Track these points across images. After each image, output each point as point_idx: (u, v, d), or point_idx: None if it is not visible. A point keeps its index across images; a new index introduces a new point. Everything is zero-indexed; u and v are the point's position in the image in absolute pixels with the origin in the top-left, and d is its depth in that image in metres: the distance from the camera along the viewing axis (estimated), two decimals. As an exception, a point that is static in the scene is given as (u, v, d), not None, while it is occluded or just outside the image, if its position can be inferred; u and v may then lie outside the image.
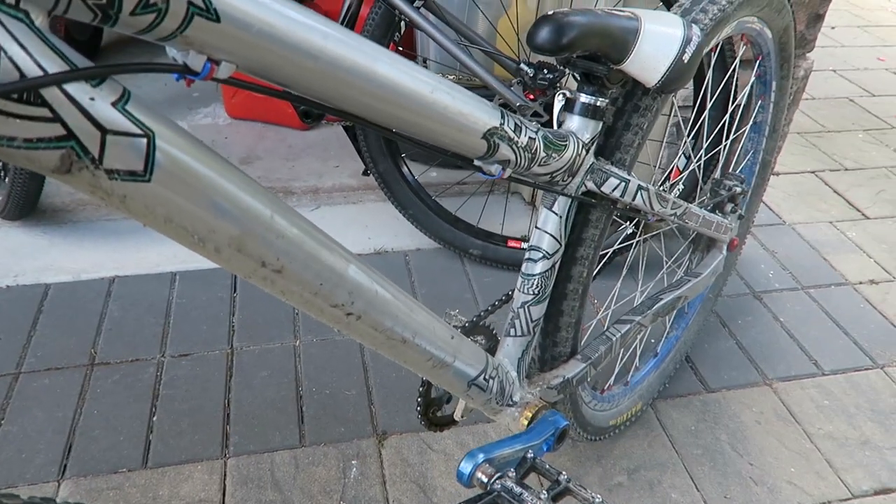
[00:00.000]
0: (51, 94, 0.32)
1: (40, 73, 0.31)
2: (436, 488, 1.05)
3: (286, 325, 1.32)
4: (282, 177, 1.72)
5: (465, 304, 1.41)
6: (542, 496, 0.69)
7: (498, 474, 0.70)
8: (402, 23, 1.32)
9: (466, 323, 0.76)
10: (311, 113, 1.31)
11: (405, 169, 1.44)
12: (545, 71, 1.34)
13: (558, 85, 1.37)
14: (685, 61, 0.69)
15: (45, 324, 1.28)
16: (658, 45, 0.67)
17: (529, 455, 0.75)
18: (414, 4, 1.23)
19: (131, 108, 0.36)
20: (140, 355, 1.23)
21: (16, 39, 0.30)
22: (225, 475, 1.05)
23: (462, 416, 0.82)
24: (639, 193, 0.77)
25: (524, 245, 1.50)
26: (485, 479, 0.70)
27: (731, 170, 1.16)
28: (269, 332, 1.30)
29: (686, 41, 0.69)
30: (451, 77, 1.56)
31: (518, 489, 0.69)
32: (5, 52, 0.30)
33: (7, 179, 1.40)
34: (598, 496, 0.71)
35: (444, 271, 1.49)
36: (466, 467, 0.70)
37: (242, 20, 0.37)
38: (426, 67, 0.63)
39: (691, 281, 1.04)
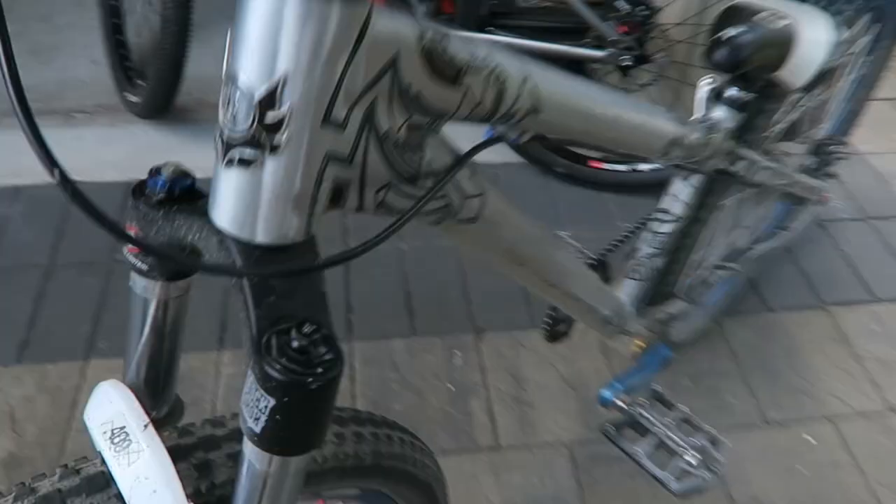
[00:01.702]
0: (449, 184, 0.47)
1: (443, 168, 0.45)
2: (527, 379, 1.24)
3: (393, 228, 1.48)
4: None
5: (549, 220, 1.55)
6: (668, 422, 0.86)
7: (632, 401, 0.88)
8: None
9: (594, 260, 0.91)
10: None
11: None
12: (639, 7, 1.40)
13: (650, 21, 1.43)
14: (827, 63, 0.75)
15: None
16: (810, 53, 0.74)
17: (657, 388, 0.92)
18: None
19: (476, 178, 0.51)
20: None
21: (435, 151, 0.45)
22: (353, 355, 1.25)
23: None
24: (762, 172, 0.88)
25: (605, 166, 1.62)
26: (623, 405, 0.88)
27: (825, 119, 1.24)
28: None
29: (832, 44, 0.75)
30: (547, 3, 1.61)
31: (649, 414, 0.87)
32: (431, 163, 0.45)
33: (147, 82, 1.54)
34: (713, 429, 0.88)
35: (530, 186, 1.62)
36: (608, 394, 0.88)
37: (552, 113, 0.50)
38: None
39: (782, 234, 1.16)
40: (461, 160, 0.46)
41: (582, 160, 1.62)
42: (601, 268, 0.95)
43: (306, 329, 0.35)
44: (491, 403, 1.20)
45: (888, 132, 1.91)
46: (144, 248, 0.42)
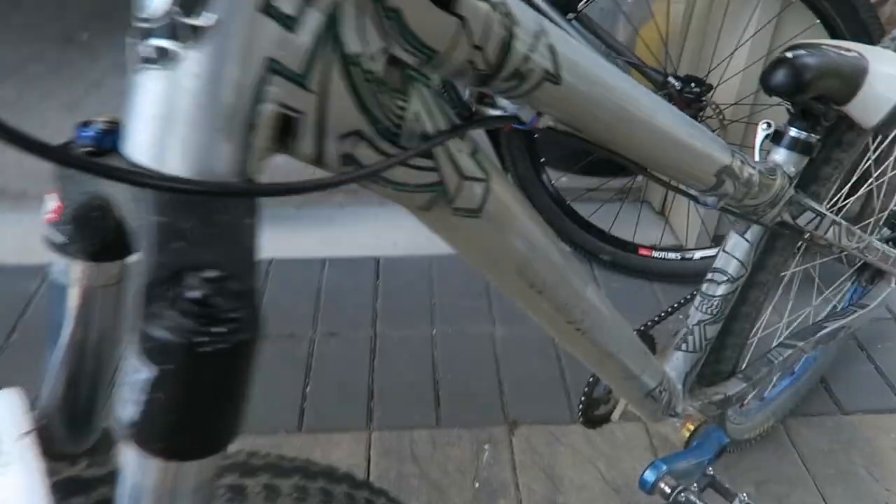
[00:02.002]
0: (438, 148, 0.38)
1: (434, 132, 0.37)
2: (563, 478, 1.11)
3: (424, 315, 1.41)
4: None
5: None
6: None
7: (680, 487, 0.75)
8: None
9: (635, 331, 0.80)
10: (460, 115, 1.39)
11: (543, 174, 1.50)
12: (692, 84, 1.36)
13: (704, 99, 1.38)
14: None
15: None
16: (884, 88, 0.67)
17: (709, 472, 0.79)
18: (567, 17, 1.28)
19: (479, 156, 0.41)
20: (295, 331, 1.36)
21: (425, 105, 0.36)
22: (370, 445, 1.14)
23: (619, 417, 0.88)
24: (831, 228, 0.78)
25: (655, 254, 1.53)
26: (668, 490, 0.75)
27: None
28: (409, 320, 1.39)
29: None
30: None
31: (700, 503, 0.73)
32: (419, 116, 0.35)
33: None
34: None
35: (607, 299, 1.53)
36: (651, 476, 0.75)
37: (575, 84, 0.42)
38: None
39: (858, 312, 1.04)
40: (460, 127, 0.38)
41: (630, 248, 1.54)
42: (645, 341, 0.84)
43: (209, 274, 0.27)
44: (522, 505, 1.07)
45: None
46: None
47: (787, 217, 0.73)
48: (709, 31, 1.48)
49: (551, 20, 1.27)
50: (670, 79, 1.32)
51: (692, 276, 1.47)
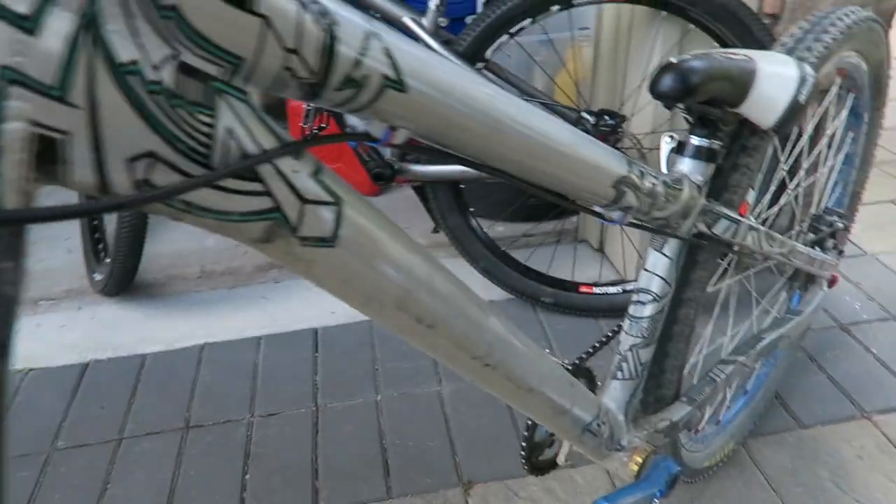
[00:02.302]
0: (265, 169, 0.34)
1: (258, 151, 0.33)
2: (526, 536, 1.04)
3: (367, 381, 1.35)
4: (355, 241, 1.79)
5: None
6: None
7: None
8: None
9: (570, 365, 0.76)
10: (383, 175, 1.38)
11: (474, 223, 1.48)
12: (606, 117, 1.37)
13: (620, 130, 1.39)
14: (800, 101, 0.68)
15: (142, 392, 1.35)
16: (775, 87, 0.67)
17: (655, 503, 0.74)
18: (476, 66, 1.29)
19: (324, 177, 0.37)
20: (231, 416, 1.28)
21: (241, 121, 0.32)
22: (317, 528, 1.07)
23: (566, 461, 0.82)
24: (749, 234, 0.77)
25: (596, 290, 1.51)
26: None
27: (821, 204, 1.15)
28: (351, 389, 1.33)
29: (801, 81, 0.69)
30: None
31: None
32: (232, 134, 0.32)
33: (109, 259, 1.51)
34: None
35: (518, 320, 1.49)
36: None
37: (425, 91, 0.39)
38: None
39: (794, 319, 1.02)
40: (289, 145, 0.34)
41: (571, 287, 1.51)
42: (581, 375, 0.80)
43: None
44: (484, 571, 1.00)
45: (893, 231, 1.80)
46: None
47: (702, 227, 0.72)
48: (618, 67, 1.51)
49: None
50: (584, 114, 1.33)
51: (635, 307, 1.45)
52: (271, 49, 0.31)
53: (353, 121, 0.36)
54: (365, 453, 1.19)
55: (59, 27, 0.25)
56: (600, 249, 1.73)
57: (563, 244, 1.74)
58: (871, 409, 1.24)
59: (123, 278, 1.53)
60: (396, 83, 0.37)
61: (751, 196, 1.39)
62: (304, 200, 0.36)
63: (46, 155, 0.26)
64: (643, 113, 1.42)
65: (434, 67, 0.40)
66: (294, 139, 0.35)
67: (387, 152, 1.44)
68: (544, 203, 1.73)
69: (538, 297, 1.51)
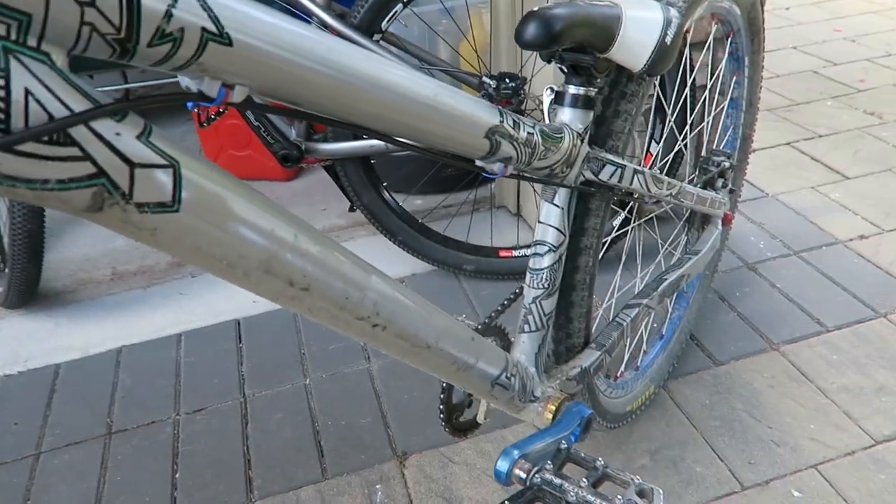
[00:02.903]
0: (79, 133, 0.32)
1: (67, 113, 0.32)
2: (462, 499, 1.06)
3: (294, 365, 1.33)
4: (272, 228, 1.75)
5: (469, 319, 1.42)
6: (583, 484, 0.70)
7: (536, 468, 0.71)
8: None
9: (479, 325, 0.77)
10: (290, 156, 1.35)
11: (389, 198, 1.47)
12: (507, 80, 1.38)
13: (522, 92, 1.41)
14: (668, 43, 0.70)
15: (59, 402, 1.30)
16: (641, 31, 0.68)
17: (563, 446, 0.76)
18: (373, 38, 1.28)
19: (154, 139, 0.36)
20: (155, 417, 1.24)
21: (41, 82, 0.31)
22: (253, 518, 1.05)
23: (485, 419, 0.83)
24: (635, 177, 0.79)
25: (515, 253, 1.53)
26: (523, 475, 0.71)
27: (713, 146, 1.19)
28: (279, 375, 1.31)
29: (667, 23, 0.70)
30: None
31: (558, 480, 0.70)
32: (33, 96, 0.30)
33: (6, 269, 1.43)
34: (637, 477, 0.71)
35: (442, 291, 1.51)
36: (504, 465, 0.70)
37: (253, 43, 0.38)
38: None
39: (692, 258, 1.06)
40: (102, 106, 0.32)
41: (490, 252, 1.53)
42: (493, 333, 0.81)
43: None
44: (425, 538, 1.01)
45: (791, 172, 1.89)
46: None
47: (589, 175, 0.73)
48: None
49: (357, 44, 1.26)
50: (485, 79, 1.33)
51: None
52: (60, 2, 0.30)
53: (186, 81, 0.34)
54: (297, 438, 1.18)
55: None
56: (517, 213, 1.75)
57: (480, 211, 1.75)
58: (779, 341, 1.31)
59: (25, 288, 1.46)
60: (218, 36, 0.36)
61: (654, 147, 1.44)
62: (132, 164, 0.35)
63: None
64: (543, 74, 1.43)
65: (260, 18, 0.38)
66: (109, 101, 0.34)
67: (292, 133, 1.41)
68: (457, 172, 1.74)
69: (460, 265, 1.51)
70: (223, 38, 0.36)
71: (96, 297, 1.58)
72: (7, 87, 0.29)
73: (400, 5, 1.26)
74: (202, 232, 0.39)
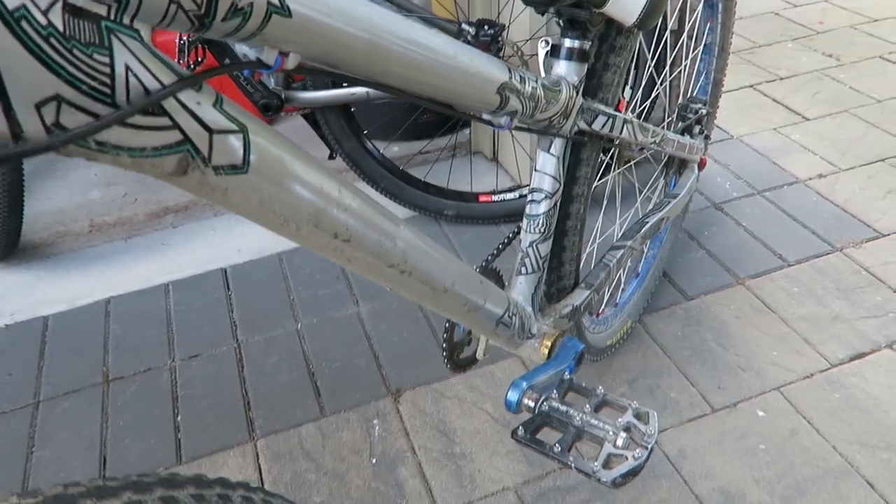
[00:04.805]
0: (169, 104, 0.36)
1: (159, 86, 0.34)
2: (456, 430, 1.13)
3: (285, 311, 1.37)
4: (250, 176, 1.76)
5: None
6: (586, 409, 0.76)
7: (542, 397, 0.77)
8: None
9: (476, 267, 0.81)
10: (270, 105, 1.35)
11: (369, 145, 1.49)
12: (486, 27, 1.39)
13: (500, 39, 1.42)
14: None
15: (52, 353, 1.31)
16: None
17: (566, 377, 0.82)
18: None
19: (226, 107, 0.39)
20: (152, 364, 1.28)
21: (137, 57, 0.33)
22: (258, 455, 1.10)
23: (484, 355, 0.89)
24: (625, 127, 0.83)
25: (495, 198, 1.57)
26: (532, 404, 0.77)
27: (688, 92, 1.24)
28: (270, 321, 1.35)
29: None
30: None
31: (563, 407, 0.76)
32: (131, 71, 0.33)
33: (-14, 223, 1.42)
34: (634, 402, 0.78)
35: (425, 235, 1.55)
36: (514, 395, 0.76)
37: (308, 14, 0.41)
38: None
39: (672, 201, 1.11)
40: (189, 77, 0.35)
41: (471, 197, 1.57)
42: (489, 275, 0.86)
43: None
44: (422, 467, 1.08)
45: (754, 114, 1.96)
46: None
47: (582, 125, 0.77)
48: (493, -24, 1.53)
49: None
50: (464, 26, 1.35)
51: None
52: None
53: (244, 49, 0.37)
54: (293, 379, 1.23)
55: None
56: (494, 159, 1.79)
57: (458, 157, 1.78)
58: (745, 276, 1.40)
59: (6, 241, 1.45)
60: (281, 9, 0.39)
61: (627, 93, 1.48)
62: (210, 130, 0.38)
63: None
64: (520, 20, 1.45)
65: None
66: (188, 73, 0.36)
67: (271, 81, 1.41)
68: (436, 119, 1.76)
69: (441, 211, 1.55)
70: (284, 11, 0.39)
71: (76, 250, 1.58)
72: (112, 65, 0.32)
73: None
74: (265, 191, 0.42)
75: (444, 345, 0.85)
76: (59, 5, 0.29)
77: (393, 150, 1.78)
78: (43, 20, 0.29)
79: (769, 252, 1.45)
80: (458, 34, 1.38)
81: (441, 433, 1.12)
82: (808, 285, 1.36)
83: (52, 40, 0.29)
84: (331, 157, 1.56)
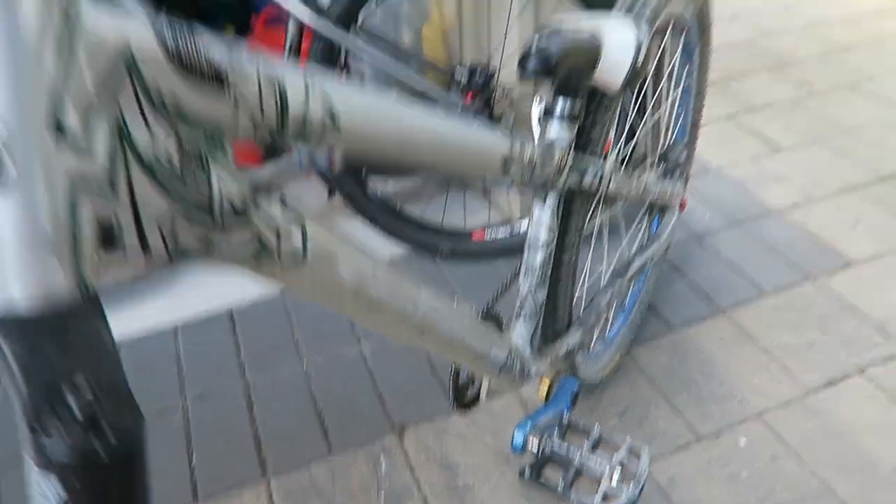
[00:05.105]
0: (253, 212, 0.43)
1: (241, 194, 0.42)
2: (458, 463, 1.19)
3: (290, 352, 1.43)
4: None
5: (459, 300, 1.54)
6: (584, 446, 0.84)
7: (544, 437, 0.85)
8: (343, 51, 1.44)
9: (479, 312, 0.89)
10: (276, 147, 1.43)
11: (369, 187, 1.56)
12: (478, 72, 1.47)
13: (491, 83, 1.50)
14: (639, 63, 0.80)
15: (66, 397, 1.36)
16: (618, 55, 0.78)
17: (564, 416, 0.89)
18: (350, 31, 1.35)
19: (287, 202, 0.47)
20: (164, 404, 1.33)
21: (224, 170, 0.41)
22: (271, 494, 1.16)
23: (487, 395, 0.96)
24: (612, 179, 0.91)
25: (487, 236, 1.65)
26: (535, 446, 0.84)
27: (668, 138, 1.32)
28: (277, 362, 1.41)
29: (639, 46, 0.79)
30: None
31: (563, 446, 0.84)
32: (222, 183, 0.40)
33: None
34: (628, 438, 0.85)
35: (421, 273, 1.62)
36: (519, 439, 0.84)
37: (357, 128, 0.50)
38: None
39: (655, 243, 1.19)
40: (265, 186, 0.44)
41: (464, 236, 1.64)
42: (490, 319, 0.94)
43: (79, 380, 0.30)
44: (427, 501, 1.14)
45: (731, 144, 2.06)
46: None
47: (574, 181, 0.85)
48: (481, 20, 1.61)
49: (337, 44, 1.33)
50: (457, 72, 1.43)
51: (523, 246, 1.60)
52: (243, 114, 0.40)
53: (303, 150, 0.48)
54: (301, 418, 1.29)
55: (101, 137, 0.32)
56: (486, 194, 1.86)
57: (451, 194, 1.86)
58: (726, 305, 1.48)
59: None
60: (335, 122, 0.47)
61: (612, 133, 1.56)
62: (278, 227, 0.46)
63: (107, 239, 0.34)
64: (511, 63, 1.53)
65: (362, 103, 0.50)
66: (260, 178, 0.45)
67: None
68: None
69: (436, 248, 1.62)
70: (336, 124, 0.47)
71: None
72: (209, 178, 0.39)
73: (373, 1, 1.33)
74: (318, 276, 0.51)
75: (451, 388, 0.92)
76: (175, 141, 0.36)
77: (388, 185, 1.85)
78: (164, 157, 0.36)
79: (748, 282, 1.54)
80: (451, 78, 1.46)
81: (445, 467, 1.19)
82: (785, 314, 1.45)
83: (168, 170, 0.37)
84: (329, 195, 1.63)
